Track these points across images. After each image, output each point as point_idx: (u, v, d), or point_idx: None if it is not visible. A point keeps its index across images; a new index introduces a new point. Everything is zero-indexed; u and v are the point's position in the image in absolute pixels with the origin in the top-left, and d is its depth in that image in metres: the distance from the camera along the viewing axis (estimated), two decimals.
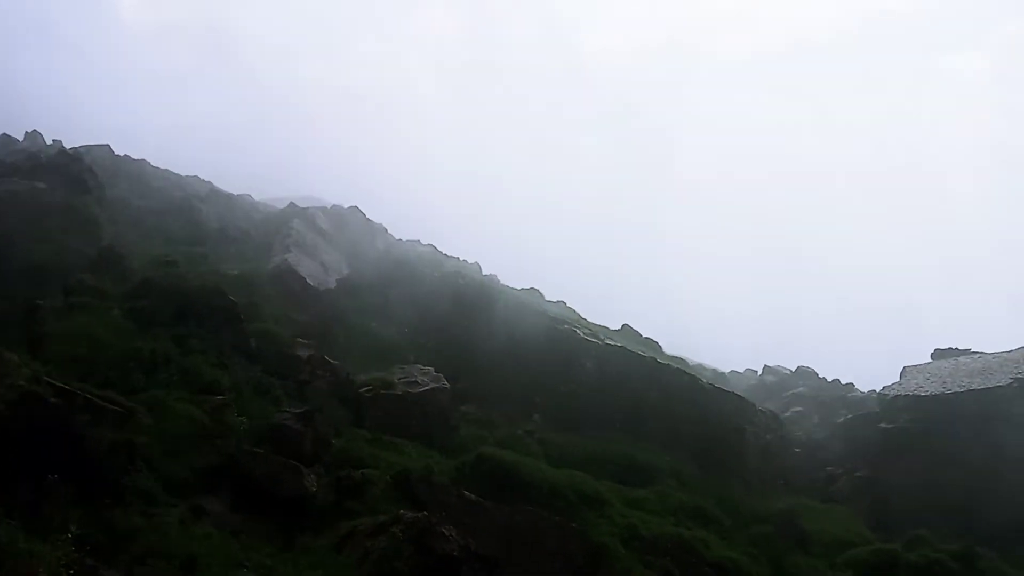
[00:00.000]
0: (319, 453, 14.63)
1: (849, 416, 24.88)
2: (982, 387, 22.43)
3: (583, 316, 26.65)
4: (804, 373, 28.94)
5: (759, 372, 29.72)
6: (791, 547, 18.29)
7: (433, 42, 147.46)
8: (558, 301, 27.17)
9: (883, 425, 23.01)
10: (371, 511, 13.10)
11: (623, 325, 26.98)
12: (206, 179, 34.17)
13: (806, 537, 18.82)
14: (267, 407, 15.54)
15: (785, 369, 29.45)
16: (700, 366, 27.43)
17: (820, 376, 28.91)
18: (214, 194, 31.83)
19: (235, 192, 33.72)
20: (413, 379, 19.34)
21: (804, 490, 22.55)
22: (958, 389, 22.69)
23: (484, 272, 28.42)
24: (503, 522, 14.49)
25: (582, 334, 22.96)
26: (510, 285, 26.51)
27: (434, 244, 29.66)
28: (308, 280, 24.03)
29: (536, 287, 28.24)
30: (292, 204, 30.96)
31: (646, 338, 26.66)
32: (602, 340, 23.02)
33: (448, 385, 19.56)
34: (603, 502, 16.75)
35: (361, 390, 18.50)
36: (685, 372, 22.96)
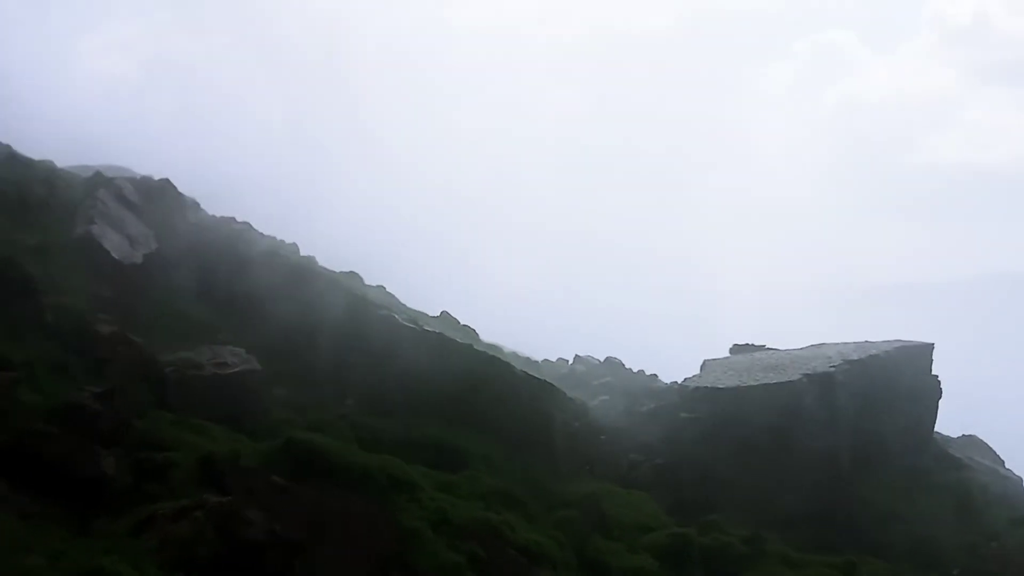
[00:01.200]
0: (119, 434, 13.92)
1: (652, 406, 25.85)
2: (775, 382, 23.77)
3: (402, 302, 26.57)
4: (612, 364, 29.86)
5: (570, 361, 30.46)
6: (594, 531, 18.85)
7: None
8: (377, 286, 26.97)
9: (683, 415, 24.07)
10: (173, 495, 12.62)
11: (442, 312, 27.08)
12: (4, 143, 31.88)
13: (608, 521, 19.42)
14: (63, 385, 14.71)
15: (595, 359, 30.31)
16: (514, 354, 27.83)
17: (627, 367, 29.91)
18: (11, 159, 29.74)
19: (35, 158, 31.59)
20: (222, 360, 18.68)
21: (608, 476, 23.25)
22: (753, 383, 23.96)
23: (302, 253, 27.83)
24: (311, 507, 14.26)
25: (400, 319, 22.88)
26: (328, 267, 26.07)
27: (250, 222, 28.76)
28: (113, 253, 22.77)
29: (356, 271, 27.90)
30: (98, 173, 29.26)
31: (464, 325, 26.84)
32: (420, 326, 23.02)
33: (259, 367, 19.07)
34: (414, 487, 16.74)
35: (166, 370, 17.75)
36: (499, 359, 23.27)
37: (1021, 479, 27.07)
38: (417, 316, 23.94)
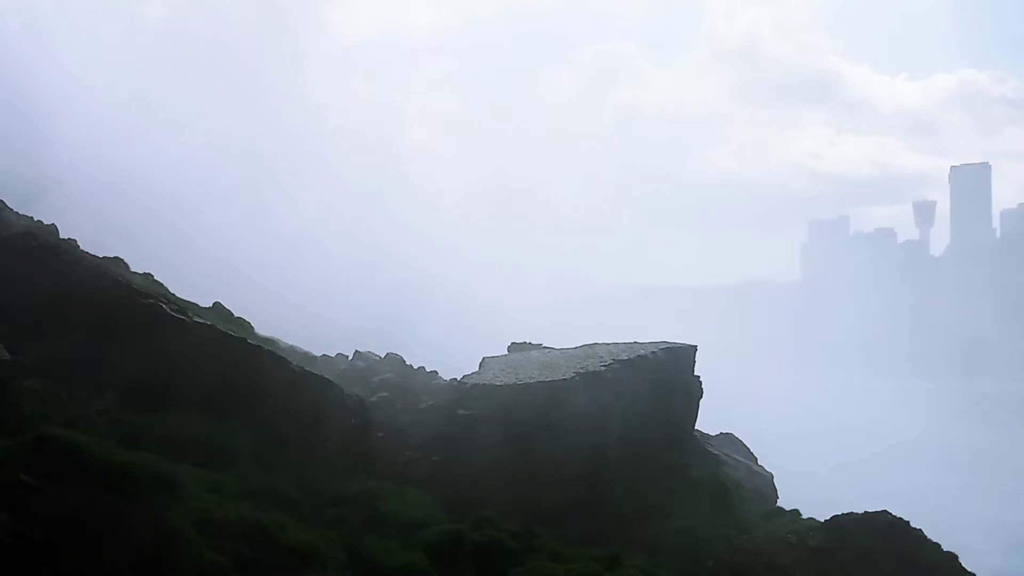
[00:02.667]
0: None
1: (431, 403, 25.90)
2: (549, 379, 24.31)
3: (171, 291, 25.29)
4: (392, 360, 29.66)
5: (350, 357, 30.03)
6: (367, 529, 18.68)
7: None
8: (144, 273, 25.56)
9: (461, 412, 24.22)
10: None
11: (215, 303, 25.98)
12: None
13: (382, 519, 19.29)
14: None
15: (375, 355, 30.00)
16: (292, 348, 27.14)
17: (408, 364, 29.81)
18: None
19: None
20: None
21: (384, 473, 23.12)
22: (528, 380, 24.42)
23: (63, 236, 25.99)
24: (64, 508, 13.43)
25: (168, 309, 21.75)
26: (91, 252, 24.46)
27: (3, 200, 26.60)
28: None
29: (122, 257, 26.32)
30: None
31: (238, 318, 25.88)
32: (190, 317, 22.00)
33: (8, 356, 17.73)
34: (178, 486, 16.02)
35: None
36: (274, 354, 22.60)
37: (772, 475, 28.93)
38: (187, 306, 22.85)
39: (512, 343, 29.80)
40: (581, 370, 24.54)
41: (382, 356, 30.12)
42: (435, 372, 29.48)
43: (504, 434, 23.36)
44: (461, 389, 25.15)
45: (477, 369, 26.68)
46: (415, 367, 29.83)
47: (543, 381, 24.15)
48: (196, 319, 22.04)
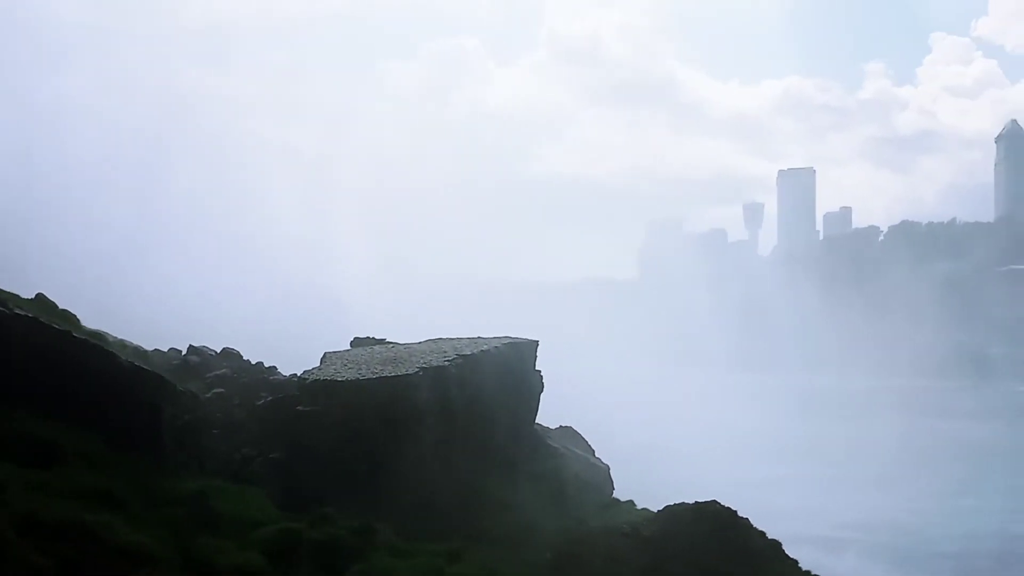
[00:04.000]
0: None
1: (269, 399, 25.37)
2: (392, 375, 24.17)
3: None
4: (229, 354, 28.86)
5: (184, 352, 29.04)
6: (201, 528, 18.17)
7: None
8: None
9: (300, 408, 23.82)
10: None
11: (37, 295, 24.63)
12: None
13: (217, 518, 18.79)
14: None
15: (211, 350, 29.10)
16: (122, 343, 26.04)
17: (245, 358, 29.08)
18: None
19: None
20: None
21: (220, 471, 22.54)
22: (371, 376, 24.20)
23: None
24: None
25: None
26: None
27: None
28: None
29: None
30: None
31: (63, 311, 24.61)
32: (9, 308, 20.82)
33: None
34: None
35: None
36: (101, 348, 21.63)
37: (608, 467, 29.63)
38: (8, 298, 21.61)
39: (355, 338, 29.47)
40: (425, 365, 24.50)
41: (217, 351, 29.29)
42: (274, 367, 28.87)
43: (345, 430, 23.11)
44: (302, 385, 24.72)
45: (318, 364, 26.26)
46: (253, 362, 29.13)
47: (386, 376, 23.98)
48: (16, 311, 20.86)
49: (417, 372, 24.23)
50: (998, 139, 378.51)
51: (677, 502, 22.52)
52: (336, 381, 24.24)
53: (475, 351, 25.94)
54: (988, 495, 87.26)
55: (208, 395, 25.64)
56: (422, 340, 28.16)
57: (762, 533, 22.26)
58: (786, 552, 22.54)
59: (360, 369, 24.85)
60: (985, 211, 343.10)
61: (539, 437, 28.30)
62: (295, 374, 26.52)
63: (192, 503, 18.88)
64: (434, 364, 24.70)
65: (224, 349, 29.40)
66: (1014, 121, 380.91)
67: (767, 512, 27.81)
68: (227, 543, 18.01)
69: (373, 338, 29.43)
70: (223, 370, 27.72)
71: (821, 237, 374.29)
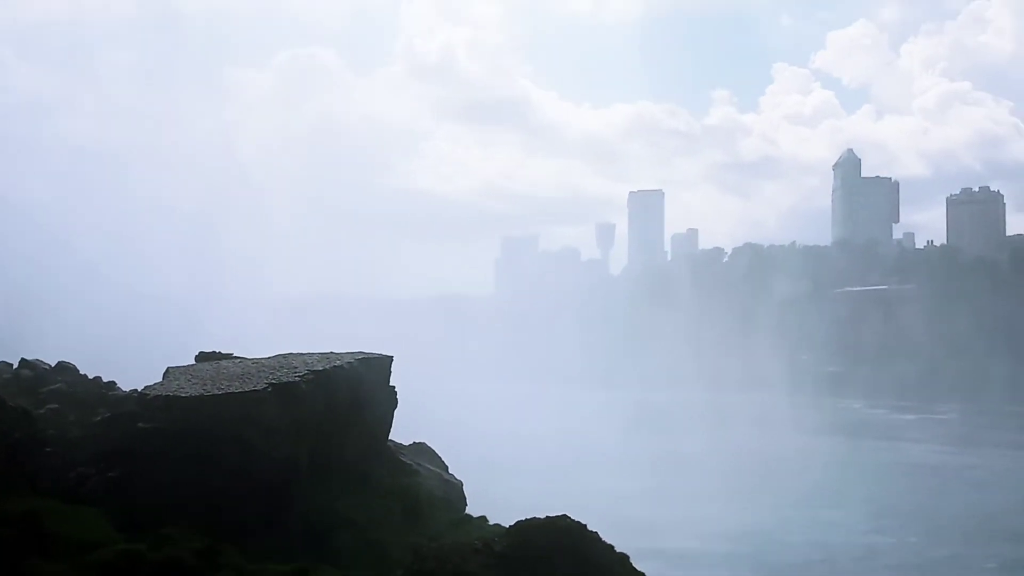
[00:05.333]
0: None
1: (107, 415, 24.31)
2: (240, 390, 23.53)
3: None
4: (64, 369, 27.54)
5: (15, 366, 27.56)
6: (31, 551, 17.33)
7: None
8: None
9: (141, 425, 22.91)
10: None
11: None
12: None
13: (48, 540, 17.95)
14: None
15: (44, 364, 27.71)
16: None
17: (81, 372, 27.81)
18: None
19: None
20: None
21: (53, 491, 21.52)
22: (217, 392, 23.50)
23: None
24: None
25: None
26: None
27: None
28: None
29: None
30: None
31: None
32: None
33: None
34: None
35: None
36: None
37: (462, 483, 29.62)
38: None
39: (200, 352, 28.51)
40: (275, 381, 23.95)
41: (52, 365, 27.90)
42: (113, 382, 27.69)
43: (189, 448, 22.32)
44: (142, 401, 23.78)
45: (160, 380, 25.32)
46: (90, 377, 27.88)
47: (233, 392, 23.32)
48: None
49: (266, 388, 23.66)
50: (835, 167, 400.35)
51: (528, 517, 22.67)
52: (179, 397, 23.42)
53: (327, 367, 25.50)
54: (830, 507, 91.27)
55: (41, 411, 24.44)
56: (272, 355, 27.51)
57: (610, 547, 22.62)
58: (634, 565, 22.98)
59: (206, 385, 24.09)
60: (823, 235, 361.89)
61: (392, 453, 28.07)
62: (136, 389, 25.49)
63: (22, 524, 17.94)
64: (284, 380, 24.16)
65: (59, 363, 28.03)
66: (850, 150, 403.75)
67: (617, 525, 28.31)
68: (60, 566, 17.26)
69: (220, 353, 28.56)
70: (58, 385, 26.43)
71: (669, 257, 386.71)
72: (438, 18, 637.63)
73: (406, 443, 30.10)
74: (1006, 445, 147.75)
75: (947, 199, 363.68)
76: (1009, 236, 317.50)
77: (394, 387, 28.33)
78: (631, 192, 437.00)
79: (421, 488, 26.86)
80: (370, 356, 27.66)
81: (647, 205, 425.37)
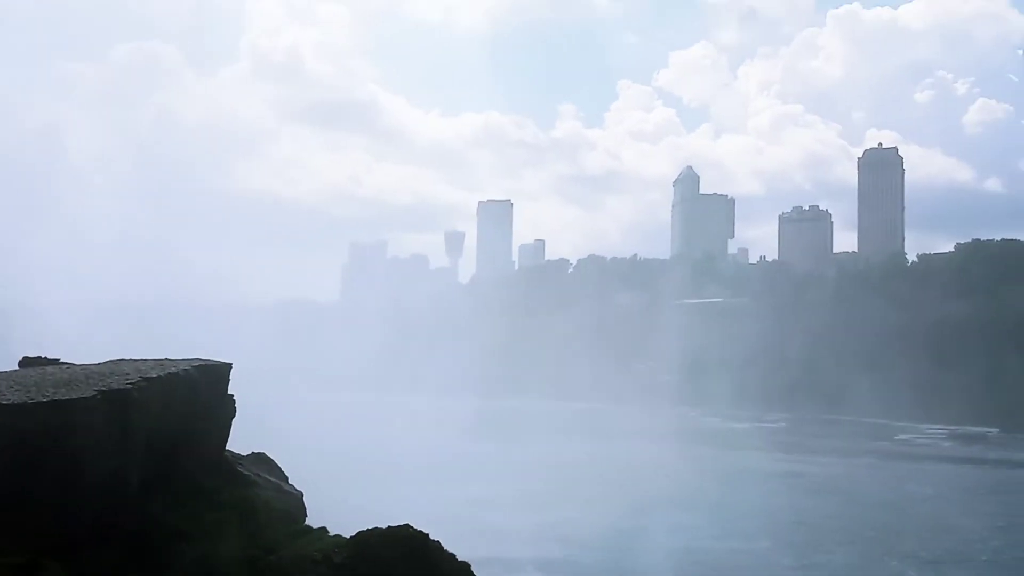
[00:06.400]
0: None
1: None
2: (66, 398, 22.42)
3: None
4: None
5: None
6: None
7: None
8: None
9: None
10: None
11: None
12: None
13: None
14: None
15: None
16: None
17: None
18: None
19: None
20: None
21: None
22: (42, 399, 22.32)
23: None
24: None
25: None
26: None
27: None
28: None
29: None
30: None
31: None
32: None
33: None
34: None
35: None
36: None
37: (302, 494, 29.07)
38: None
39: (24, 357, 27.04)
40: (104, 388, 22.90)
41: None
42: None
43: (9, 458, 21.09)
44: None
45: None
46: None
47: (59, 400, 22.17)
48: None
49: (94, 395, 22.61)
50: (675, 183, 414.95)
51: (370, 527, 22.46)
52: (2, 404, 22.13)
53: (161, 373, 24.56)
54: (682, 512, 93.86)
55: None
56: (102, 361, 26.34)
57: (452, 556, 22.64)
58: (475, 574, 23.07)
59: (29, 391, 22.82)
60: (663, 248, 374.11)
61: (229, 464, 27.28)
62: None
63: None
64: (114, 387, 23.13)
65: None
66: (689, 167, 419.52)
67: (468, 533, 28.41)
68: None
69: (45, 358, 27.15)
70: None
71: (517, 267, 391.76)
72: (285, 18, 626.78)
73: (245, 453, 29.34)
74: (830, 452, 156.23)
75: (779, 216, 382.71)
76: (835, 253, 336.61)
77: (232, 395, 27.57)
78: (480, 201, 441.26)
79: (259, 499, 26.19)
80: (207, 363, 26.80)
81: (496, 215, 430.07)
